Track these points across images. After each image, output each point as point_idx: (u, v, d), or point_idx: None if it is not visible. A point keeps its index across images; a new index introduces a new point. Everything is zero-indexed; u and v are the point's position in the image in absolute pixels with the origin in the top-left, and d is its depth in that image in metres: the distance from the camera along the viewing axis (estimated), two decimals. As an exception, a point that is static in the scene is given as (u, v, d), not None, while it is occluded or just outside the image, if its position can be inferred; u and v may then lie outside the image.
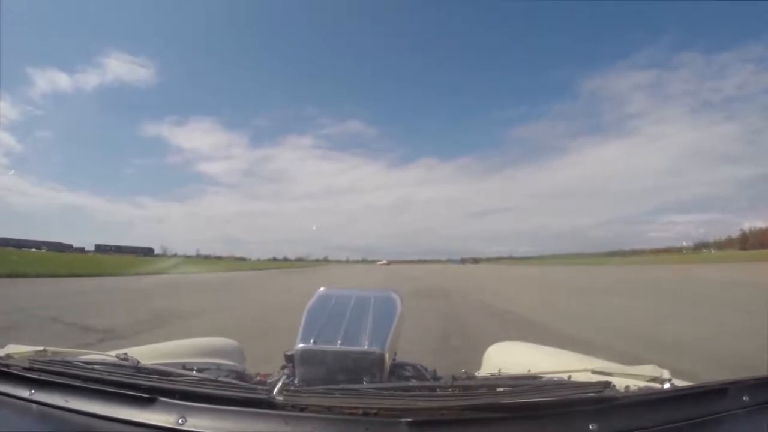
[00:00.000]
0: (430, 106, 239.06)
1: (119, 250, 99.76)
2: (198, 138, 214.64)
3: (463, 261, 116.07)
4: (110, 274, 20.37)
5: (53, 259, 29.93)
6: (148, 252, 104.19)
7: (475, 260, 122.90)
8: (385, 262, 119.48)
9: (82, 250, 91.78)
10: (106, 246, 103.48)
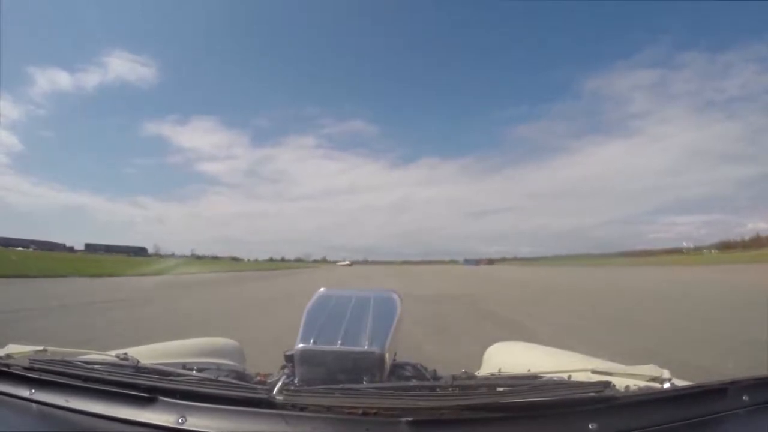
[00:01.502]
0: (432, 106, 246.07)
1: (109, 249, 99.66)
2: (199, 137, 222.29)
3: (477, 262, 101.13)
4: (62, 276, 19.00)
5: (26, 259, 28.78)
6: (139, 252, 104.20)
7: (490, 261, 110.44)
8: (347, 262, 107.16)
9: (71, 249, 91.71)
10: (96, 245, 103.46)
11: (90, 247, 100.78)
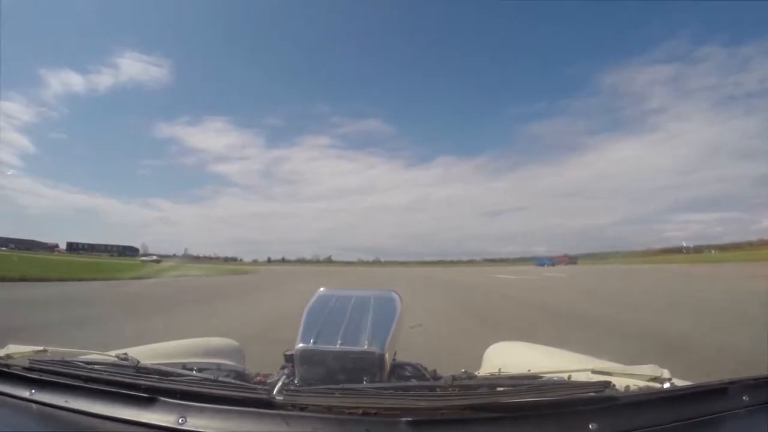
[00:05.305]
0: (447, 104, 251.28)
1: (93, 248, 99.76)
2: (212, 138, 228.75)
3: (553, 261, 76.54)
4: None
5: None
6: (124, 251, 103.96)
7: (571, 259, 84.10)
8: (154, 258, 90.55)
9: (51, 248, 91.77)
10: (78, 244, 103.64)
11: (72, 246, 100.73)
